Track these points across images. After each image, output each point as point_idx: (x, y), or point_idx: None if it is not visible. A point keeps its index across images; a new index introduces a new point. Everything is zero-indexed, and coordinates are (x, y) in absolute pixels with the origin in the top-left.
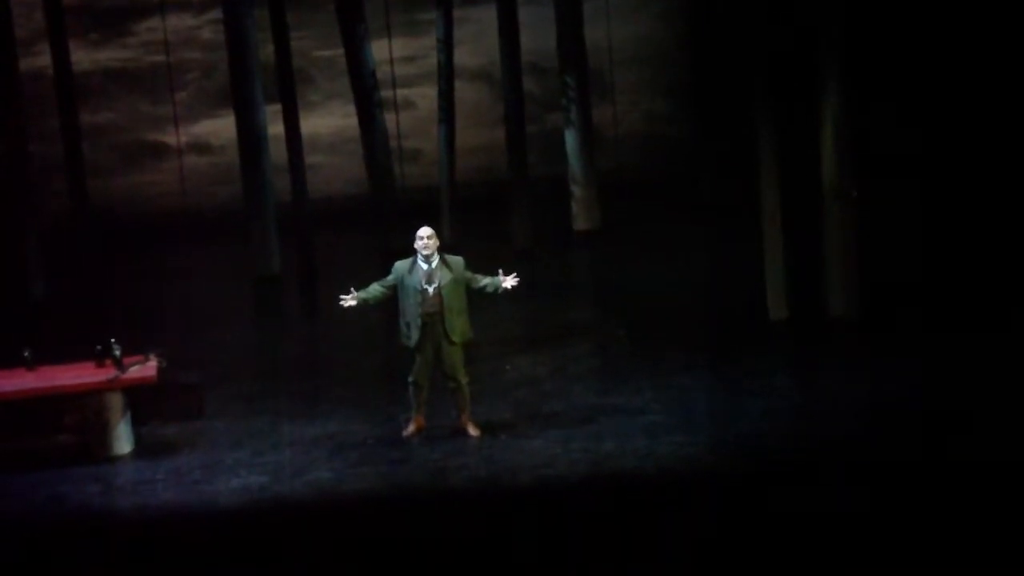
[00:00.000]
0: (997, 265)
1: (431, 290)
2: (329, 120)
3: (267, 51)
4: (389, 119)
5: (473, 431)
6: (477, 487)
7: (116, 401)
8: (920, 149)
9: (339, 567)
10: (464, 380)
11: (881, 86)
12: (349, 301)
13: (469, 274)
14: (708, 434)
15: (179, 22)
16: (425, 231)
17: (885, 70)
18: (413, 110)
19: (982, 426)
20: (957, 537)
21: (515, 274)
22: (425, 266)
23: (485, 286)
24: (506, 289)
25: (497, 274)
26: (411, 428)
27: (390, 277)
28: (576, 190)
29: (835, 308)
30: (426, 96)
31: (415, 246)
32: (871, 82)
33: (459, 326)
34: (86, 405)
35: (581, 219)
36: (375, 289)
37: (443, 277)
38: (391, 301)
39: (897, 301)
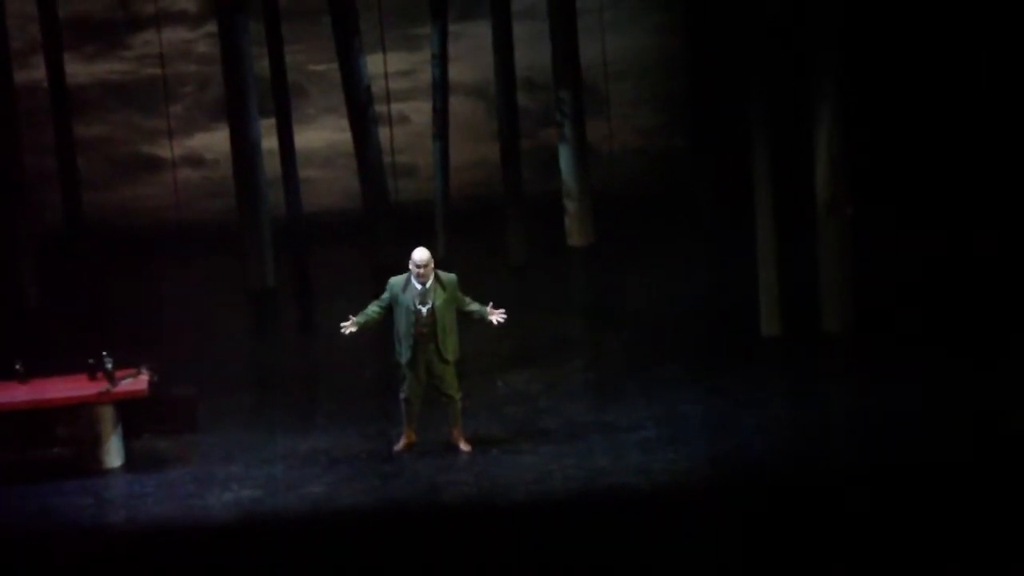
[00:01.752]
0: (992, 280)
1: (424, 311)
2: (323, 134)
3: (262, 65)
4: (383, 134)
5: (464, 446)
6: (470, 503)
7: (108, 414)
8: (915, 165)
9: None
10: (457, 396)
11: (876, 102)
12: (350, 328)
13: (460, 294)
14: (702, 450)
15: (174, 35)
16: (420, 258)
17: (880, 86)
18: (407, 125)
19: (976, 441)
20: (950, 548)
21: (503, 310)
22: (419, 286)
23: (472, 312)
24: (490, 322)
25: (487, 304)
26: (402, 443)
27: (385, 295)
28: (570, 205)
29: (829, 324)
30: (420, 111)
31: (410, 268)
32: (866, 98)
33: (452, 344)
34: (78, 418)
35: (575, 234)
36: (372, 311)
37: (437, 297)
38: (388, 318)
39: (891, 317)
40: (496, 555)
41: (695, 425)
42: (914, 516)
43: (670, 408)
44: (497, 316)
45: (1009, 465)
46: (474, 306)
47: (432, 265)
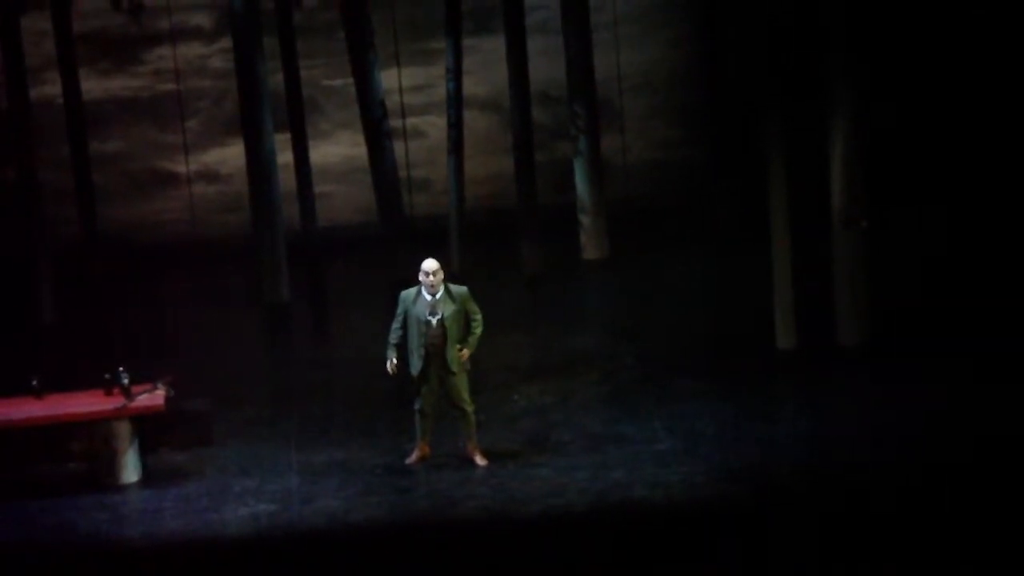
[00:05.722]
0: (1007, 293)
1: (434, 322)
2: (338, 149)
3: (277, 80)
4: (398, 148)
5: (480, 460)
6: (485, 516)
7: (124, 429)
8: (930, 177)
9: None
10: (469, 408)
11: (892, 114)
12: (394, 362)
13: (471, 309)
14: (716, 463)
15: (189, 51)
16: (430, 266)
17: (896, 98)
18: (422, 139)
19: (990, 455)
20: (965, 563)
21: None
22: (429, 298)
23: (469, 333)
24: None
25: (471, 337)
26: (415, 455)
27: (399, 308)
28: (585, 219)
29: (844, 336)
30: (435, 125)
31: (420, 279)
32: (882, 110)
33: (458, 357)
34: (94, 433)
35: (590, 248)
36: (397, 334)
37: (446, 309)
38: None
39: (906, 329)
40: (512, 569)
41: (710, 438)
42: (929, 530)
43: (685, 421)
44: (463, 356)
45: (1019, 481)
46: (474, 329)
47: (442, 275)
